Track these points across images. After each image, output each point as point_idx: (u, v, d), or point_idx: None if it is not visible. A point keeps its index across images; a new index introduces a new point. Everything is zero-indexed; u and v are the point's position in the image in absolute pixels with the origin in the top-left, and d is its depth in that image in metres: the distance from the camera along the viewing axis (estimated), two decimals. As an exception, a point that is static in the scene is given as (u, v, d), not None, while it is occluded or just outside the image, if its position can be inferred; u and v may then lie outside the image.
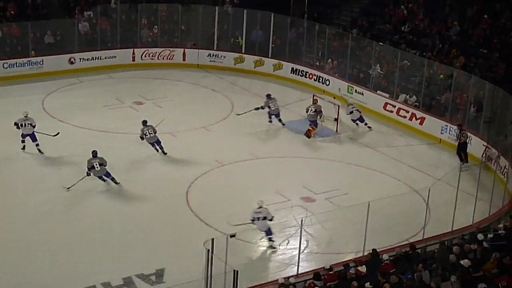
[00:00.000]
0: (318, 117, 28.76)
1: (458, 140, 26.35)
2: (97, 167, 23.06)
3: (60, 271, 18.60)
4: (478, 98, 28.12)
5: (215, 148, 26.77)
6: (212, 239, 16.24)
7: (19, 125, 25.50)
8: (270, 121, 29.42)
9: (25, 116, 25.53)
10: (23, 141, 25.53)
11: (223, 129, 28.94)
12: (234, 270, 15.88)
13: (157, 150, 25.81)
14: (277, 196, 23.14)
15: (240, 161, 25.76)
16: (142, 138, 25.69)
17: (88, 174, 23.04)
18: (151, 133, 25.57)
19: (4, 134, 26.48)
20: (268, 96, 29.54)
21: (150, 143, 25.68)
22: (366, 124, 29.45)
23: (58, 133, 26.17)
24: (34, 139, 25.44)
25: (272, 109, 29.26)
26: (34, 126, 25.51)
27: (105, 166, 23.26)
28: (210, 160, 25.56)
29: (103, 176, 23.39)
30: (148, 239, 20.46)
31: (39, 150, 25.48)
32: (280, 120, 29.26)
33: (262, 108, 29.28)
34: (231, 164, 25.51)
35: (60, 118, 28.73)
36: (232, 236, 16.84)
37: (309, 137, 28.30)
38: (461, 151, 26.34)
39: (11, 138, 26.06)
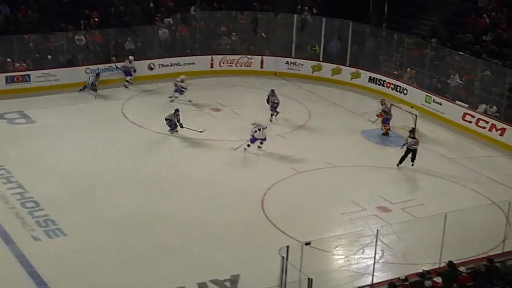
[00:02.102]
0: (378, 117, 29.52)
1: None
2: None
3: (137, 275, 18.89)
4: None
5: (291, 156, 26.80)
6: (287, 247, 16.29)
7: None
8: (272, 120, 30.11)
9: None
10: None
11: (299, 137, 28.93)
12: (309, 278, 15.89)
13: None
14: (353, 205, 23.03)
15: (316, 169, 25.71)
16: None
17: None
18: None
19: (86, 140, 27.05)
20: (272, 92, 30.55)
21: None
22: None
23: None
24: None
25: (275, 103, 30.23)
26: None
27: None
28: (287, 167, 25.60)
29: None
30: (224, 244, 20.60)
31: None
32: (272, 115, 30.23)
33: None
34: (307, 172, 25.49)
35: (139, 123, 29.17)
36: (307, 244, 16.85)
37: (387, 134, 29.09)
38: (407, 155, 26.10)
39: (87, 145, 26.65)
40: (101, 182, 24.17)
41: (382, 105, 29.57)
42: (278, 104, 30.23)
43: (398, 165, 25.98)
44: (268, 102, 30.43)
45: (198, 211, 22.50)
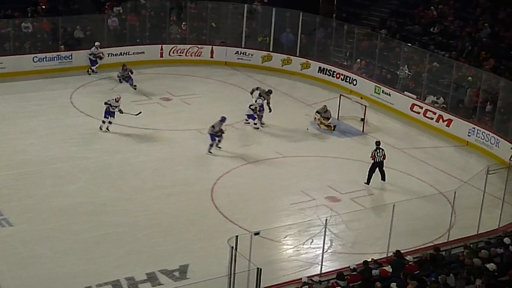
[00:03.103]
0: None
1: (373, 159, 24.29)
2: None
3: (86, 264, 18.75)
4: (495, 96, 28.24)
5: (241, 146, 26.81)
6: (236, 237, 16.27)
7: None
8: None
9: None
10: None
11: (250, 127, 28.94)
12: (258, 268, 15.90)
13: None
14: (302, 195, 23.14)
15: (266, 159, 25.78)
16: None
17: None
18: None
19: (32, 128, 26.70)
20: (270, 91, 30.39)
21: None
22: None
23: (140, 112, 28.26)
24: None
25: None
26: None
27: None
28: (236, 158, 25.61)
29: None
30: (173, 234, 20.56)
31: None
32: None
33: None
34: (256, 162, 25.55)
35: (88, 112, 28.88)
36: (256, 234, 16.85)
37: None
38: (374, 170, 24.41)
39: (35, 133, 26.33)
40: (48, 170, 23.90)
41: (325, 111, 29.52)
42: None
43: (366, 183, 24.32)
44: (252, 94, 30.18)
45: (146, 201, 22.39)
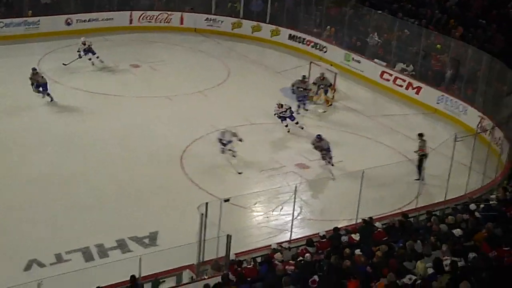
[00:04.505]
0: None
1: (422, 152, 22.77)
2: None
3: (54, 232, 18.71)
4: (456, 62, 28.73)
5: (210, 113, 26.76)
6: (206, 203, 16.29)
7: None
8: None
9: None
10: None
11: (219, 94, 28.89)
12: (228, 235, 15.96)
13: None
14: (272, 162, 23.23)
15: (235, 126, 25.66)
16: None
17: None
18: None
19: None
20: None
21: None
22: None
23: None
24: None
25: None
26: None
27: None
28: (206, 125, 25.53)
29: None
30: (142, 202, 20.53)
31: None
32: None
33: None
34: (226, 129, 25.44)
35: (56, 79, 28.58)
36: (226, 200, 16.88)
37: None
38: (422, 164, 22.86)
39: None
40: (14, 140, 23.75)
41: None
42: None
43: (418, 179, 22.55)
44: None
45: (114, 169, 22.34)
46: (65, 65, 29.74)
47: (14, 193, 20.47)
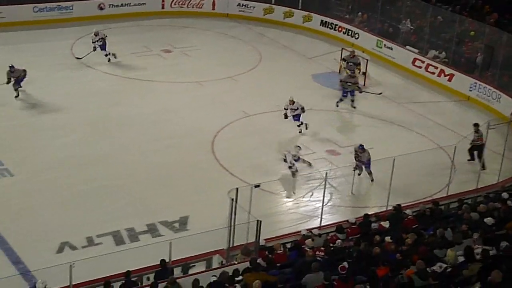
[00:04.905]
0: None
1: (481, 141, 22.41)
2: None
3: (86, 215, 18.86)
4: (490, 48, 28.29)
5: (241, 99, 26.75)
6: (237, 189, 16.36)
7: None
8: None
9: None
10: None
11: (250, 80, 28.87)
12: (258, 220, 16.00)
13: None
14: (302, 148, 23.11)
15: (266, 112, 25.72)
16: None
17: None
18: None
19: (30, 79, 26.62)
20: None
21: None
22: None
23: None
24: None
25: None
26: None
27: None
28: (237, 110, 25.55)
29: None
30: (172, 187, 20.61)
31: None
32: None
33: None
34: (257, 114, 25.50)
35: (88, 64, 28.77)
36: (257, 186, 16.95)
37: None
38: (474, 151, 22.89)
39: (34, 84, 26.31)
40: (47, 122, 23.99)
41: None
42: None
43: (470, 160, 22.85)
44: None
45: (144, 153, 22.44)
46: (79, 59, 29.05)
47: (45, 176, 20.67)
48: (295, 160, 21.47)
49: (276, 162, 22.34)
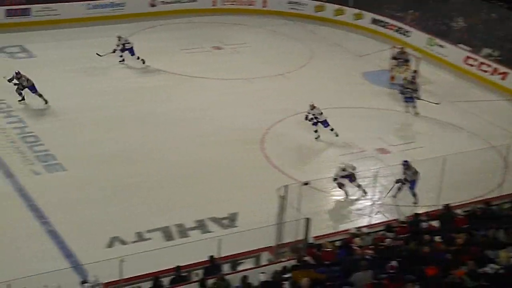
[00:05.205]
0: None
1: None
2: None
3: (135, 210, 19.04)
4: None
5: (292, 96, 26.71)
6: (286, 186, 16.34)
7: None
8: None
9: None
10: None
11: (300, 77, 28.83)
12: (307, 218, 15.98)
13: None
14: (352, 146, 23.07)
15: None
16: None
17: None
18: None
19: (84, 72, 26.96)
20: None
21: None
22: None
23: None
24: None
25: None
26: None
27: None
28: (287, 107, 25.54)
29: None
30: (222, 183, 20.68)
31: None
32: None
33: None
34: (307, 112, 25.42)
35: (140, 61, 29.01)
36: (306, 184, 16.93)
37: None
38: None
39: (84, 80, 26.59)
40: (98, 117, 24.23)
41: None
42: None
43: None
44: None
45: (194, 149, 22.55)
46: (100, 56, 28.54)
47: (97, 170, 20.92)
48: (345, 177, 20.19)
49: (325, 160, 22.29)
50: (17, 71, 24.43)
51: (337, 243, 16.60)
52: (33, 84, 24.46)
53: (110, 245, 17.52)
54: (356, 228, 17.21)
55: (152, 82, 27.32)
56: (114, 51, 28.23)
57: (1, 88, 25.28)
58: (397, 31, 33.78)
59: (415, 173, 19.80)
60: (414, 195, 20.02)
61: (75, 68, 27.64)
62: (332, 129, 23.39)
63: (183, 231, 18.31)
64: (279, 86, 27.71)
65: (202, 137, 23.25)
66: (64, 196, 19.52)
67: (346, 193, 20.18)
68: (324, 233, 17.50)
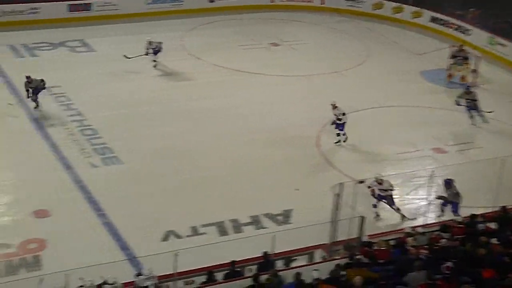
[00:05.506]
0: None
1: None
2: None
3: (190, 204, 19.18)
4: None
5: (348, 93, 26.57)
6: (341, 184, 16.29)
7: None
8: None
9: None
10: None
11: (358, 75, 28.70)
12: (361, 216, 15.93)
13: None
14: (408, 145, 22.89)
15: (373, 107, 25.54)
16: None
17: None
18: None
19: (142, 67, 27.20)
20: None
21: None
22: None
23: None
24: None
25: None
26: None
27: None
28: (343, 105, 25.32)
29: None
30: (276, 179, 20.69)
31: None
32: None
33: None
34: (364, 110, 25.30)
35: (198, 55, 29.26)
36: (361, 182, 16.87)
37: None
38: None
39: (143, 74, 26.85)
40: (154, 111, 24.49)
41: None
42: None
43: None
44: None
45: (250, 145, 22.61)
46: (128, 58, 27.73)
47: (153, 164, 21.12)
48: (383, 197, 18.82)
49: (381, 158, 22.17)
50: (27, 75, 23.71)
51: (391, 242, 16.51)
52: (43, 87, 23.93)
53: (165, 238, 17.67)
54: (411, 227, 17.09)
55: (208, 78, 27.44)
56: (146, 54, 27.77)
57: (62, 82, 25.75)
58: (456, 29, 33.39)
59: (457, 194, 18.82)
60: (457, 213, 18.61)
61: (133, 63, 27.86)
62: (343, 134, 22.63)
63: (237, 227, 18.39)
64: (336, 83, 27.62)
65: (257, 133, 23.30)
66: (121, 189, 19.77)
67: (377, 214, 18.94)
68: (378, 232, 17.40)
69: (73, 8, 32.80)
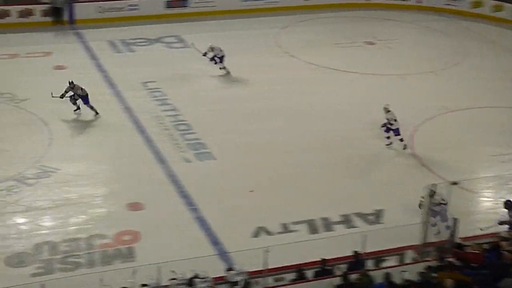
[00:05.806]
0: None
1: None
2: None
3: (281, 201, 19.23)
4: None
5: (443, 94, 26.20)
6: (434, 185, 16.09)
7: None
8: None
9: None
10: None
11: (453, 75, 28.20)
12: (455, 218, 15.69)
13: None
14: (504, 147, 22.34)
15: (468, 108, 25.07)
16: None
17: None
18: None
19: (234, 64, 27.42)
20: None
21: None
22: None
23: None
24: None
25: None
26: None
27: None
28: (437, 105, 25.07)
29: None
30: (368, 179, 20.61)
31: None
32: None
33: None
34: (458, 111, 24.87)
35: (292, 53, 29.32)
36: (454, 183, 16.60)
37: None
38: None
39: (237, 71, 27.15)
40: (248, 107, 24.63)
41: None
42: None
43: None
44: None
45: (339, 143, 22.49)
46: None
47: (245, 160, 21.29)
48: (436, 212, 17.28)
49: (476, 159, 21.77)
50: (70, 81, 23.35)
51: (485, 246, 16.20)
52: (86, 95, 23.39)
53: (256, 235, 17.80)
54: (507, 231, 16.72)
55: (301, 75, 27.45)
56: (215, 63, 27.08)
57: (157, 77, 26.24)
58: None
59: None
60: None
61: (227, 60, 28.13)
62: (401, 139, 22.14)
63: (328, 225, 18.36)
64: (431, 83, 27.23)
65: (350, 131, 23.16)
66: (213, 184, 20.00)
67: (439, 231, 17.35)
68: (472, 235, 17.08)
69: (170, 4, 33.36)
